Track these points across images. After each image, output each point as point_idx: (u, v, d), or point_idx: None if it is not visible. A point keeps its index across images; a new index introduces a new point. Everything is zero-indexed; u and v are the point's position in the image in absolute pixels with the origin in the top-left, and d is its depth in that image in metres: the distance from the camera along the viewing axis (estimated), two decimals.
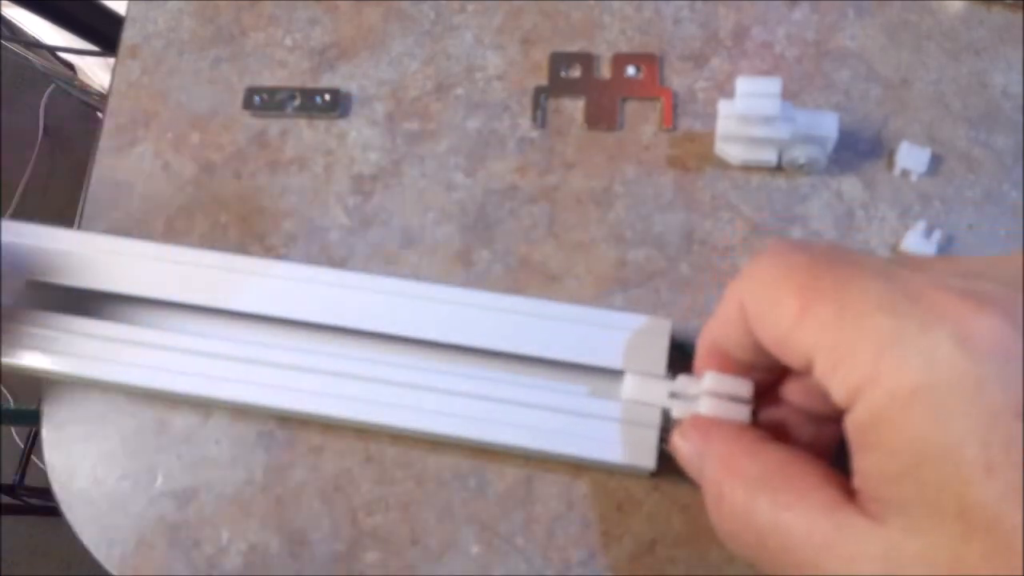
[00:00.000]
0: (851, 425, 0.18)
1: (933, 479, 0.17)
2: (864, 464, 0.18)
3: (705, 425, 0.23)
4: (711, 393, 0.24)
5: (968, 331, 0.17)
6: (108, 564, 0.27)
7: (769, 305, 0.20)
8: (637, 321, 0.27)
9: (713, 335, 0.23)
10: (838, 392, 0.18)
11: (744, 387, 0.24)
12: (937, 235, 0.29)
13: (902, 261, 0.20)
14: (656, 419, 0.26)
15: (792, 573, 0.19)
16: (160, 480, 0.28)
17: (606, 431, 0.26)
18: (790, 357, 0.20)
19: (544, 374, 0.27)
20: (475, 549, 0.27)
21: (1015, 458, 0.16)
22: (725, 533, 0.21)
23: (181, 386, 0.27)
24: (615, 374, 0.27)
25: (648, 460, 0.25)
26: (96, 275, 0.28)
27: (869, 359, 0.18)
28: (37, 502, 0.96)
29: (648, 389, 0.26)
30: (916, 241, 0.29)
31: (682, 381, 0.25)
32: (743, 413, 0.24)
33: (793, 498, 0.20)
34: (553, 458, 0.27)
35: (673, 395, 0.26)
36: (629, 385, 0.26)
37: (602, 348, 0.27)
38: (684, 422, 0.24)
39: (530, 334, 0.27)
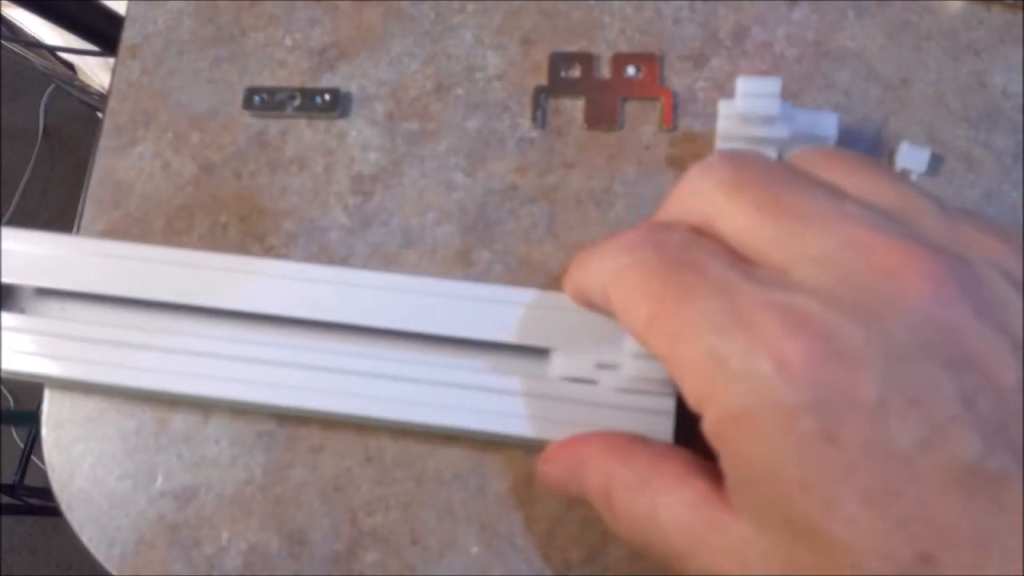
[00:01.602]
0: (703, 431, 0.20)
1: (764, 491, 0.18)
2: (722, 465, 0.20)
3: (573, 444, 0.24)
4: (636, 355, 0.25)
5: (785, 357, 0.18)
6: (108, 564, 0.27)
7: (625, 306, 0.21)
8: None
9: (580, 284, 0.25)
10: (688, 400, 0.20)
11: None
12: None
13: (744, 256, 0.21)
14: (670, 407, 0.26)
15: (678, 565, 0.21)
16: (160, 480, 0.28)
17: (620, 418, 0.26)
18: (650, 351, 0.21)
19: (538, 362, 0.27)
20: (475, 549, 0.27)
21: (827, 476, 0.17)
22: (623, 536, 0.22)
23: (177, 387, 0.27)
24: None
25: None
26: (90, 279, 0.28)
27: (704, 380, 0.19)
28: (37, 502, 0.96)
29: (575, 364, 0.26)
30: None
31: (606, 351, 0.26)
32: (663, 369, 0.25)
33: (664, 496, 0.21)
34: None
35: (600, 366, 0.26)
36: (556, 363, 0.27)
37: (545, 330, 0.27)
38: (547, 448, 0.25)
39: (542, 325, 0.27)
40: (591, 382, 0.26)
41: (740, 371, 0.18)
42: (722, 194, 0.21)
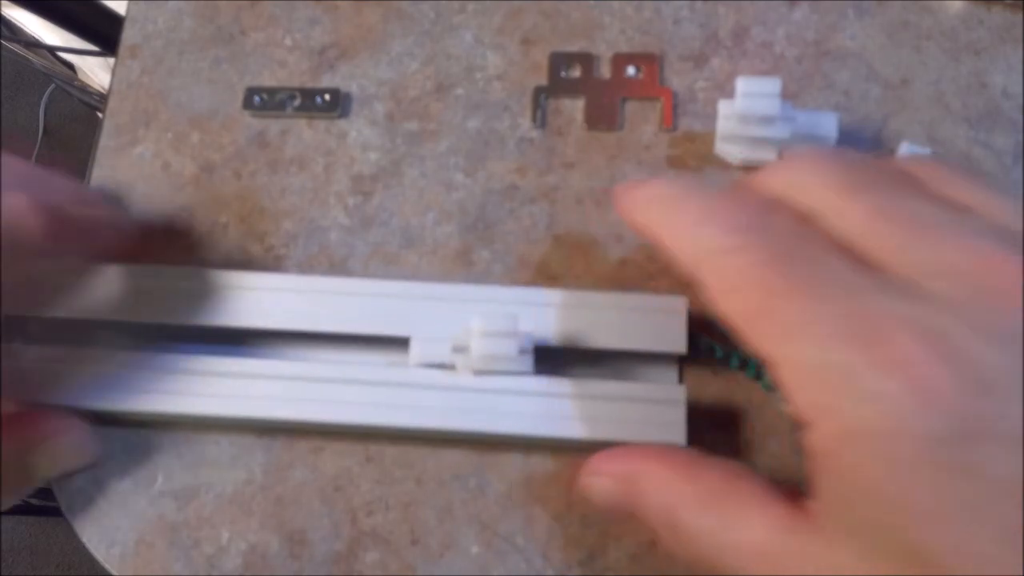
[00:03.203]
0: (809, 443, 0.18)
1: (883, 517, 0.17)
2: (820, 484, 0.19)
3: (624, 457, 0.23)
4: (481, 334, 0.25)
5: (928, 383, 0.17)
6: (108, 564, 0.27)
7: (725, 289, 0.20)
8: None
9: (657, 231, 0.23)
10: (796, 406, 0.18)
11: (511, 321, 0.25)
12: None
13: (865, 250, 0.19)
14: (682, 396, 0.26)
15: None
16: (160, 480, 0.28)
17: (635, 413, 0.26)
18: (749, 343, 0.19)
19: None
20: (475, 549, 0.27)
21: (961, 510, 0.16)
22: (685, 558, 0.21)
23: (179, 408, 0.27)
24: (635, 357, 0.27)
25: (679, 437, 0.26)
26: (92, 305, 0.28)
27: (822, 391, 0.18)
28: (37, 502, 0.96)
29: (432, 350, 0.27)
30: None
31: (460, 334, 0.26)
32: (512, 347, 0.25)
33: (741, 519, 0.20)
34: (587, 445, 0.27)
35: (456, 349, 0.26)
36: (414, 351, 0.27)
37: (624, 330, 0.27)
38: (592, 459, 0.24)
39: (581, 324, 0.27)
40: (449, 367, 0.27)
41: (871, 390, 0.17)
42: (833, 192, 0.20)
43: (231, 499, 0.28)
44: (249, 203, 0.32)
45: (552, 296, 0.27)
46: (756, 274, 0.19)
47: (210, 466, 0.28)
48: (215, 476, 0.28)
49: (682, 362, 0.28)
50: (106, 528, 0.28)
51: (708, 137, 0.31)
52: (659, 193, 0.23)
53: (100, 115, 0.34)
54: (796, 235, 0.19)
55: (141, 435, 0.29)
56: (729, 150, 0.31)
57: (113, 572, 0.27)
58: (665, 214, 0.22)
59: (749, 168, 0.31)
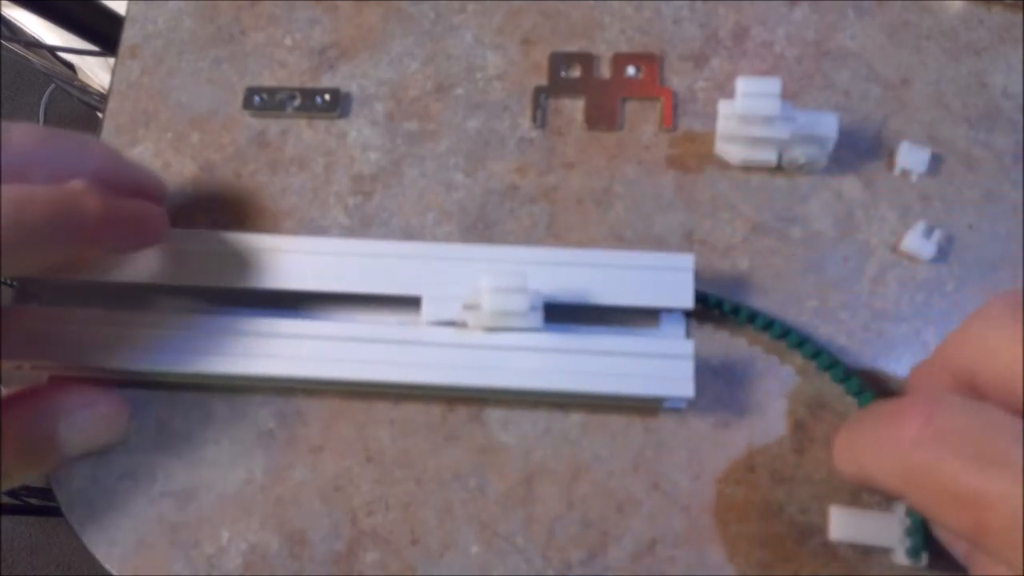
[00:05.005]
0: None
1: None
2: None
3: None
4: (492, 290, 0.26)
5: None
6: (108, 564, 0.27)
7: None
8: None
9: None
10: None
11: (521, 278, 0.26)
12: (937, 235, 0.29)
13: None
14: (689, 350, 0.26)
15: None
16: (160, 480, 0.28)
17: (644, 367, 0.26)
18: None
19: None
20: (475, 549, 0.27)
21: None
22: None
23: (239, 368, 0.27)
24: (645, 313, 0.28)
25: (687, 391, 0.26)
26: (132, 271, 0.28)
27: None
28: (37, 502, 0.96)
29: (443, 308, 0.27)
30: (916, 241, 0.29)
31: (470, 292, 0.27)
32: (522, 303, 0.25)
33: None
34: (596, 399, 0.27)
35: (466, 307, 0.27)
36: (426, 309, 0.27)
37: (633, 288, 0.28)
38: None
39: (598, 285, 0.28)
40: (461, 324, 0.27)
41: None
42: None
43: (231, 499, 0.28)
44: (249, 203, 0.32)
45: (560, 254, 0.28)
46: None
47: (210, 466, 0.28)
48: (215, 476, 0.28)
49: (689, 317, 0.28)
50: (106, 528, 0.28)
51: (708, 137, 0.31)
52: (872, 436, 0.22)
53: (100, 115, 0.34)
54: None
55: (141, 435, 0.29)
56: (729, 150, 0.31)
57: (113, 572, 0.27)
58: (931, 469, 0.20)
59: (749, 168, 0.31)
